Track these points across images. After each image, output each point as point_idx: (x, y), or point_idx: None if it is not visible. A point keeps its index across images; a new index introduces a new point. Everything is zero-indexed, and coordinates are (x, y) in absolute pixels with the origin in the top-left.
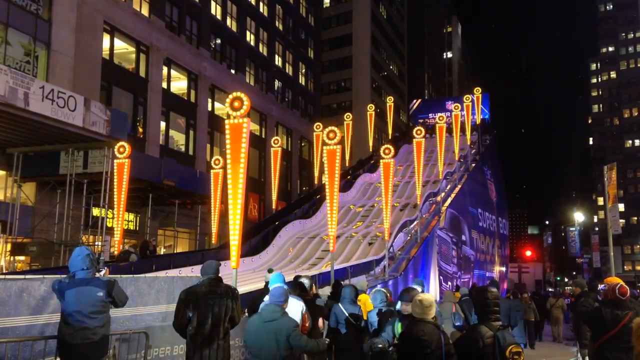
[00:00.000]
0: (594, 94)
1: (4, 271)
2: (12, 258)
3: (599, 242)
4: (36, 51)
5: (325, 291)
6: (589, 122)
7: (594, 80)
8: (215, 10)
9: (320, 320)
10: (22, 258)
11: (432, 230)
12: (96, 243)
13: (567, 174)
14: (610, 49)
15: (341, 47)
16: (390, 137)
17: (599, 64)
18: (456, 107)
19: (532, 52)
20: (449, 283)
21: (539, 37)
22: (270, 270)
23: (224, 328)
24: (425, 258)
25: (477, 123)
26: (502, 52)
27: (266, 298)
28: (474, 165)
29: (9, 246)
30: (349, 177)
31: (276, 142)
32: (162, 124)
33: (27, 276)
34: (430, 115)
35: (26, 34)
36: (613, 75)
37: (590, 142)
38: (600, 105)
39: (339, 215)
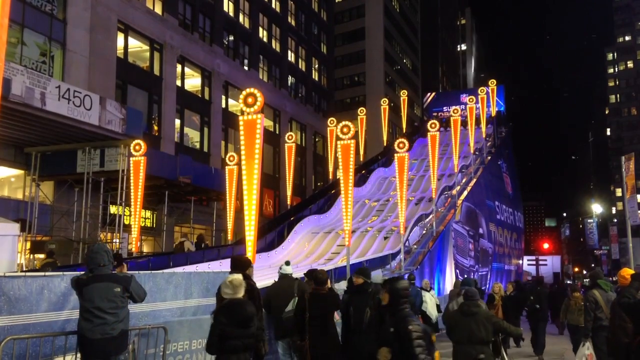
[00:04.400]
0: (611, 84)
1: (24, 269)
2: (31, 256)
3: (618, 233)
4: (52, 51)
5: (342, 286)
6: (606, 112)
7: (611, 70)
8: (228, 7)
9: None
10: (41, 256)
11: (448, 223)
12: (114, 240)
13: (585, 165)
14: (627, 38)
15: (354, 42)
16: (404, 131)
17: (615, 54)
18: (471, 100)
19: (547, 43)
20: (466, 276)
21: (554, 27)
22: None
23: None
24: (441, 252)
25: (493, 115)
26: (517, 43)
27: None
28: (489, 158)
29: (28, 244)
30: (363, 171)
31: (290, 137)
32: (177, 122)
33: (47, 273)
34: (444, 108)
35: (42, 34)
36: (630, 65)
37: (608, 133)
38: (618, 96)
39: (354, 210)
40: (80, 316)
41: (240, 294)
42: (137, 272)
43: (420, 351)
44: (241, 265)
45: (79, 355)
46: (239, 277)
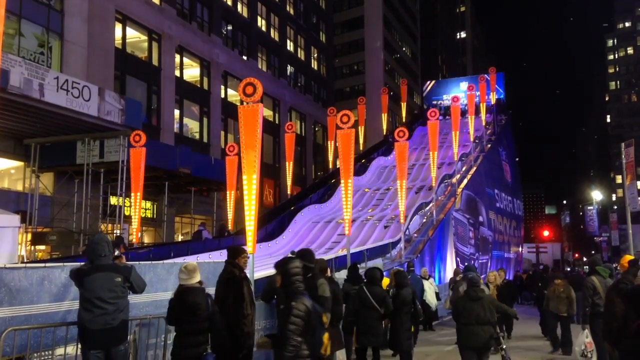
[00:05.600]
0: (611, 70)
1: (25, 260)
2: (32, 248)
3: (617, 220)
4: (49, 42)
5: (342, 274)
6: (607, 99)
7: (611, 57)
8: None
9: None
10: (42, 247)
11: (448, 212)
12: (115, 231)
13: (585, 152)
14: (627, 24)
15: (353, 30)
16: (404, 120)
17: (615, 40)
18: (471, 88)
19: (547, 29)
20: (467, 264)
21: (554, 14)
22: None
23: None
24: (441, 240)
25: (492, 103)
26: (517, 30)
27: None
28: (489, 146)
29: (29, 236)
30: (363, 160)
31: (290, 127)
32: (176, 112)
33: (48, 264)
34: (444, 96)
35: (39, 25)
36: (630, 51)
37: (608, 120)
38: (618, 82)
39: (354, 199)
40: (80, 307)
41: (195, 279)
42: (137, 262)
43: (294, 329)
44: (232, 253)
45: (79, 345)
46: (193, 263)
